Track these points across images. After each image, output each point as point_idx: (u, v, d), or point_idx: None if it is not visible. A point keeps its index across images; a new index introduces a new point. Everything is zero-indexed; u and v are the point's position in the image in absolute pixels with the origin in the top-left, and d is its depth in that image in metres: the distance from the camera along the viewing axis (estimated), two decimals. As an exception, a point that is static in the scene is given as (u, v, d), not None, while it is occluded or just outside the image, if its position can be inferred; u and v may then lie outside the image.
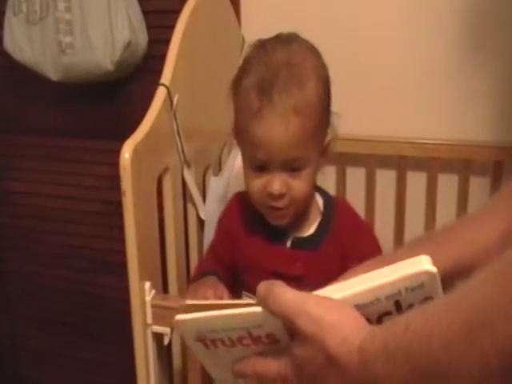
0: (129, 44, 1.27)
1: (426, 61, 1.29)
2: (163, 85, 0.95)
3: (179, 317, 0.60)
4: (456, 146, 1.28)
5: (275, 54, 0.86)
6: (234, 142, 1.22)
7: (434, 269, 0.51)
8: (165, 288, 1.00)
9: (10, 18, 1.34)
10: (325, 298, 0.53)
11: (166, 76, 0.96)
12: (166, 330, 0.91)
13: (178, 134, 0.99)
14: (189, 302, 0.62)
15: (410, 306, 0.52)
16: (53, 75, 1.33)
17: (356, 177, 1.34)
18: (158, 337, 0.93)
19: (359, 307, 0.52)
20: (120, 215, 0.86)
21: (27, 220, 1.60)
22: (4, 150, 1.57)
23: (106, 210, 1.48)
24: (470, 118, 1.29)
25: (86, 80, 1.33)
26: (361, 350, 0.48)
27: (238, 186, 1.09)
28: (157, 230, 0.94)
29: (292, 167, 0.87)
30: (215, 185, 1.11)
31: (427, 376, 0.42)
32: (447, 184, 1.30)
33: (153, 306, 0.90)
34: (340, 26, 1.28)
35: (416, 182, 1.33)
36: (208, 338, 0.58)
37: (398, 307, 0.53)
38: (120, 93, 1.40)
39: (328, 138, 0.92)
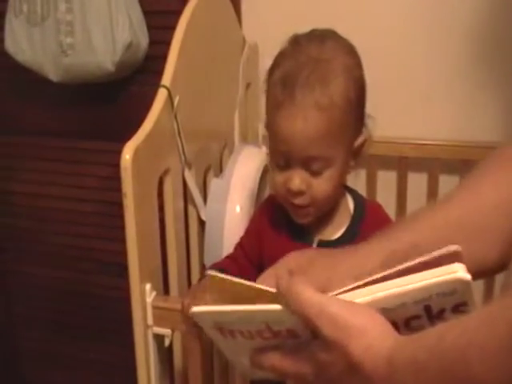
0: (129, 45, 1.27)
1: (426, 62, 1.29)
2: (164, 86, 0.95)
3: (196, 309, 0.59)
4: (457, 147, 1.28)
5: (306, 49, 0.86)
6: (235, 143, 1.23)
7: (467, 276, 0.49)
8: (165, 289, 1.00)
9: (10, 19, 1.34)
10: (348, 301, 0.51)
11: (167, 77, 0.96)
12: (166, 331, 0.91)
13: (179, 135, 0.99)
14: (213, 273, 0.61)
15: (442, 311, 0.51)
16: (54, 76, 1.33)
17: (357, 178, 1.34)
18: (159, 338, 0.93)
19: (384, 311, 0.50)
20: (121, 216, 0.87)
21: (28, 221, 1.60)
22: (5, 150, 1.57)
23: (106, 211, 1.48)
24: (470, 119, 1.29)
25: (87, 81, 1.33)
26: (388, 359, 0.46)
27: (239, 191, 1.09)
28: (157, 231, 0.94)
29: (313, 165, 0.86)
30: (216, 186, 1.11)
31: None
32: (448, 185, 1.30)
33: (154, 307, 0.90)
34: (341, 26, 1.28)
35: (417, 182, 1.33)
36: (226, 329, 0.58)
37: (428, 311, 0.51)
38: (121, 94, 1.40)
39: (360, 139, 0.90)
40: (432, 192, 1.31)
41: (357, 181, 1.32)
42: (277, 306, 0.53)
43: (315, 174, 0.87)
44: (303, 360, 0.53)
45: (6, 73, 1.48)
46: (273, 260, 0.95)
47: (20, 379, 1.75)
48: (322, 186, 0.87)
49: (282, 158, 0.88)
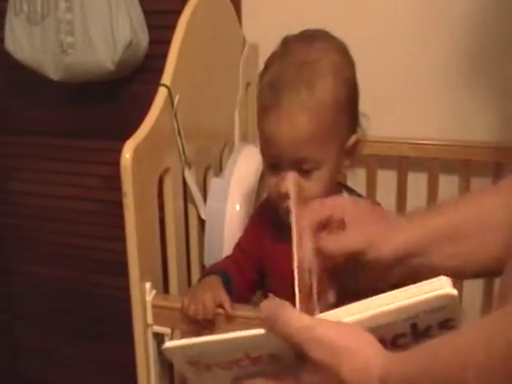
0: (130, 44, 1.27)
1: (426, 62, 1.29)
2: (164, 85, 0.95)
3: (170, 344, 0.55)
4: (456, 147, 1.28)
5: (294, 51, 0.86)
6: (235, 142, 1.23)
7: (454, 291, 0.49)
8: (165, 288, 1.00)
9: (11, 18, 1.34)
10: (336, 322, 0.49)
11: (167, 76, 0.96)
12: (166, 330, 0.91)
13: (179, 134, 0.99)
14: (170, 344, 0.55)
15: (428, 328, 0.50)
16: (54, 75, 1.33)
17: (357, 177, 1.34)
18: (159, 337, 0.93)
19: (372, 330, 0.49)
20: (121, 215, 0.87)
21: (28, 220, 1.60)
22: (5, 150, 1.57)
23: (106, 210, 1.48)
24: (470, 119, 1.29)
25: (87, 80, 1.33)
26: (381, 380, 0.45)
27: (239, 190, 1.09)
28: (157, 230, 0.94)
29: (303, 167, 0.86)
30: (216, 185, 1.11)
31: None
32: (448, 185, 1.30)
33: (153, 306, 0.90)
34: (341, 26, 1.28)
35: (417, 182, 1.33)
36: (202, 363, 0.54)
37: (414, 329, 0.50)
38: (121, 93, 1.40)
39: (353, 139, 0.89)
40: (432, 192, 1.31)
41: (357, 181, 1.32)
42: (260, 331, 0.51)
43: (306, 175, 0.86)
44: None
45: (6, 72, 1.48)
46: (272, 262, 0.95)
47: (20, 378, 1.75)
48: (312, 188, 0.86)
49: (272, 160, 0.88)
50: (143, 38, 1.32)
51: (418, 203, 1.33)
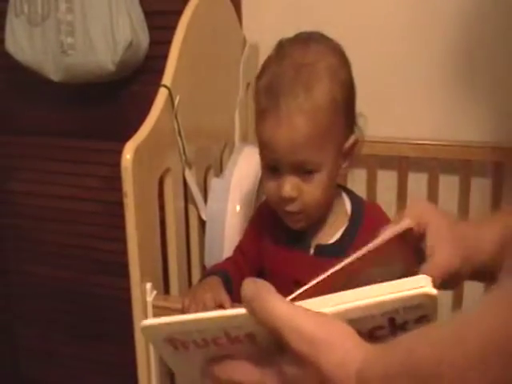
0: (130, 45, 1.27)
1: (426, 62, 1.29)
2: (164, 86, 0.95)
3: (149, 322, 0.53)
4: (456, 147, 1.28)
5: (290, 54, 0.86)
6: (235, 143, 1.23)
7: (434, 291, 0.49)
8: (166, 289, 1.01)
9: (11, 19, 1.34)
10: (317, 313, 0.49)
11: (168, 77, 0.96)
12: (167, 330, 0.91)
13: (180, 134, 0.99)
14: (149, 322, 0.54)
15: (405, 323, 0.51)
16: (54, 76, 1.33)
17: (357, 178, 1.34)
18: (159, 337, 0.93)
19: (351, 321, 0.49)
20: (121, 216, 0.87)
21: (28, 220, 1.60)
22: (5, 150, 1.57)
23: (107, 211, 1.48)
24: (470, 119, 1.29)
25: (88, 81, 1.33)
26: (359, 375, 0.45)
27: (239, 191, 1.09)
28: (158, 230, 0.94)
29: (303, 170, 0.86)
30: (216, 185, 1.12)
31: None
32: (448, 185, 1.30)
33: (154, 306, 0.90)
34: (340, 26, 1.28)
35: (417, 182, 1.33)
36: (179, 340, 0.53)
37: (392, 323, 0.51)
38: (121, 93, 1.40)
39: (351, 140, 0.89)
40: (432, 192, 1.31)
41: (357, 181, 1.33)
42: (241, 311, 0.50)
43: (305, 177, 0.86)
44: (268, 374, 0.51)
45: (6, 73, 1.49)
46: (272, 269, 0.95)
47: (20, 378, 1.76)
48: (312, 190, 0.87)
49: (271, 163, 0.88)
50: (144, 39, 1.32)
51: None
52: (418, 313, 0.50)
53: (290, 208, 0.88)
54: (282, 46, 0.89)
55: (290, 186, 0.86)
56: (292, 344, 0.47)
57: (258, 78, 0.89)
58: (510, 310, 0.37)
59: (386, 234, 0.62)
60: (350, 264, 0.53)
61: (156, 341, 0.55)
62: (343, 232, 0.92)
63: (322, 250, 0.92)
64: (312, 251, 0.93)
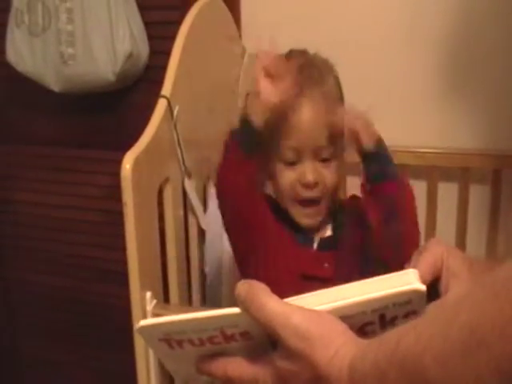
0: (130, 55, 1.28)
1: (424, 71, 1.30)
2: (164, 96, 0.96)
3: (145, 322, 0.54)
4: (455, 155, 1.29)
5: (297, 57, 0.95)
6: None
7: (423, 287, 0.50)
8: (166, 297, 1.01)
9: (12, 30, 1.35)
10: (311, 310, 0.50)
11: (167, 88, 0.97)
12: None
13: (179, 144, 0.99)
14: (145, 323, 0.55)
15: (394, 318, 0.52)
16: (55, 86, 1.34)
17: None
18: (159, 346, 0.93)
19: (343, 318, 0.50)
20: (121, 225, 0.87)
21: (29, 229, 1.60)
22: (6, 159, 1.58)
23: (107, 220, 1.48)
24: (468, 127, 1.30)
25: (88, 91, 1.34)
26: (351, 368, 0.46)
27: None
28: (157, 239, 0.95)
29: (322, 156, 0.92)
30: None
31: None
32: (447, 192, 1.31)
33: (154, 315, 0.90)
34: (340, 32, 1.29)
35: (416, 190, 1.33)
36: (174, 339, 0.54)
37: (382, 319, 0.52)
38: (121, 103, 1.41)
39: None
40: (431, 200, 1.31)
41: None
42: (236, 310, 0.51)
43: (324, 163, 0.92)
44: (262, 369, 0.52)
45: (7, 83, 1.49)
46: (279, 261, 0.96)
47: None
48: (332, 176, 0.93)
49: (291, 153, 0.92)
50: (143, 49, 1.33)
51: (418, 211, 1.33)
52: (407, 308, 0.51)
53: (311, 194, 0.92)
54: (289, 53, 0.97)
55: (313, 171, 0.92)
56: (286, 340, 0.48)
57: None
58: (492, 303, 0.38)
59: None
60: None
61: (152, 340, 0.55)
62: (332, 225, 0.98)
63: (324, 243, 0.97)
64: (316, 245, 0.96)
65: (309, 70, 0.93)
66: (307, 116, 0.91)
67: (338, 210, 0.99)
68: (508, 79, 1.26)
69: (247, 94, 1.29)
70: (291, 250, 0.96)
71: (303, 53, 0.97)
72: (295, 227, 0.96)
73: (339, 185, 0.99)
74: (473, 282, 0.61)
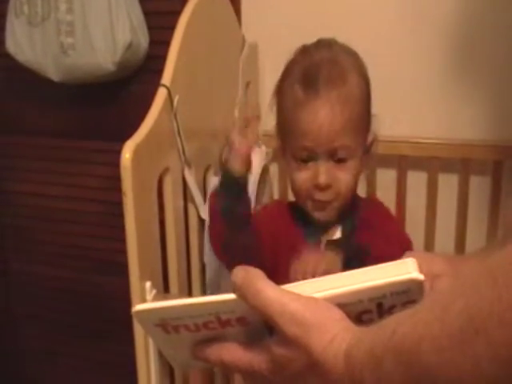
0: (130, 45, 1.27)
1: (424, 60, 1.29)
2: (164, 85, 0.95)
3: (140, 306, 0.55)
4: (455, 146, 1.28)
5: (318, 53, 0.93)
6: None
7: (421, 277, 0.50)
8: (165, 287, 1.01)
9: (11, 20, 1.34)
10: (308, 297, 0.50)
11: (167, 77, 0.96)
12: (166, 329, 0.91)
13: (179, 134, 0.99)
14: (141, 307, 0.56)
15: (392, 307, 0.52)
16: (54, 76, 1.34)
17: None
18: (159, 336, 0.93)
19: (341, 305, 0.50)
20: (121, 215, 0.87)
21: (29, 220, 1.60)
22: (6, 150, 1.58)
23: (107, 211, 1.48)
24: (469, 118, 1.30)
25: (88, 81, 1.34)
26: (347, 355, 0.46)
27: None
28: (157, 229, 0.95)
29: (338, 157, 0.90)
30: (216, 185, 1.12)
31: (417, 381, 0.41)
32: (447, 183, 1.31)
33: (153, 305, 0.90)
34: (340, 26, 1.29)
35: (416, 181, 1.33)
36: (170, 325, 0.54)
37: (379, 308, 0.52)
38: (121, 93, 1.40)
39: (370, 137, 0.96)
40: (431, 191, 1.31)
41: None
42: (232, 296, 0.51)
43: (339, 164, 0.91)
44: (257, 355, 0.52)
45: (6, 73, 1.49)
46: (286, 265, 0.96)
47: (20, 378, 1.76)
48: (346, 178, 0.91)
49: (305, 153, 0.91)
50: (143, 39, 1.32)
51: (417, 202, 1.33)
52: (405, 297, 0.51)
53: (323, 197, 0.91)
54: (307, 48, 0.95)
55: (326, 173, 0.90)
56: (282, 326, 0.48)
57: (286, 76, 0.95)
58: (491, 289, 0.37)
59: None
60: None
61: (147, 325, 0.56)
62: (342, 227, 0.96)
63: (331, 246, 0.95)
64: (323, 246, 0.96)
65: (328, 69, 0.91)
66: (321, 119, 0.89)
67: (352, 211, 0.97)
68: (510, 69, 1.25)
69: (247, 83, 1.29)
70: (301, 250, 0.95)
71: (330, 45, 0.95)
72: (307, 223, 0.96)
73: (355, 186, 0.96)
74: (465, 271, 0.62)
